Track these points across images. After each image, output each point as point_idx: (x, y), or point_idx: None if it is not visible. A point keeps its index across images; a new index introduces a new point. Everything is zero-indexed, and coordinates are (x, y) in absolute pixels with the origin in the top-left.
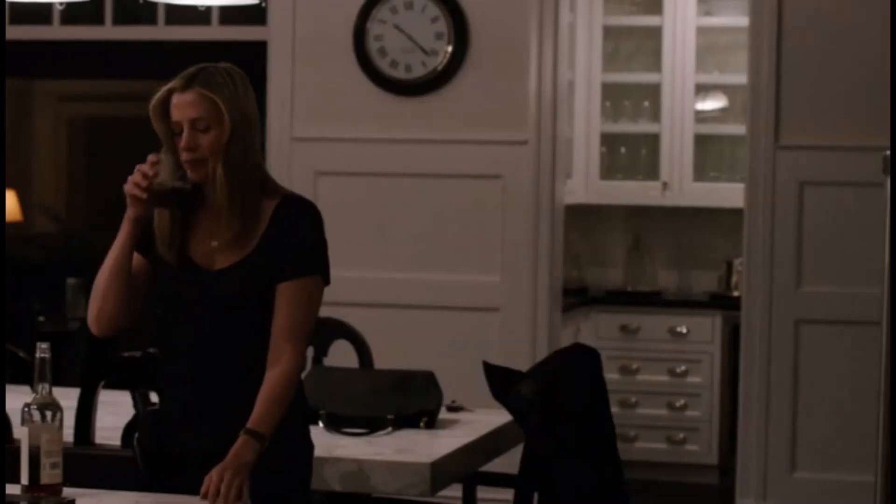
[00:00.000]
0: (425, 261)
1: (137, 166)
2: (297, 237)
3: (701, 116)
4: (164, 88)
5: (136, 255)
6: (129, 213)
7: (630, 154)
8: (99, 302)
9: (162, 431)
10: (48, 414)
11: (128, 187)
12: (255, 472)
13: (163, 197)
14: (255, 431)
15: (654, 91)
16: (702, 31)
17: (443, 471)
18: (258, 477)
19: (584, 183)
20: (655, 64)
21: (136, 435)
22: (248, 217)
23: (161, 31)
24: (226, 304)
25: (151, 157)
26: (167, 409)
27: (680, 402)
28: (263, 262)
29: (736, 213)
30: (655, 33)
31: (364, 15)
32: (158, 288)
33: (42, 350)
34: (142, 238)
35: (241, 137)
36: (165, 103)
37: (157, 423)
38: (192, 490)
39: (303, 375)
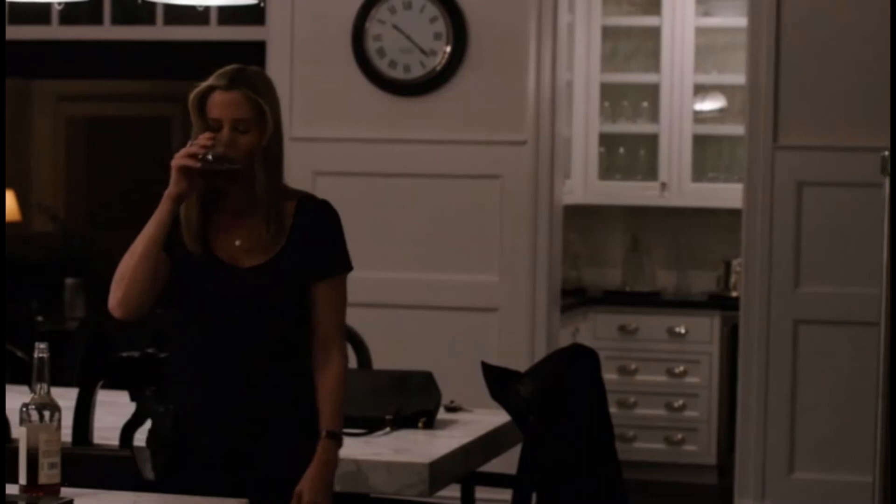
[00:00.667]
0: (424, 261)
1: (191, 141)
2: (325, 238)
3: (699, 117)
4: (206, 84)
5: None
6: (172, 190)
7: (629, 154)
8: (127, 283)
9: (180, 430)
10: (46, 414)
11: (178, 160)
12: (276, 468)
13: (212, 172)
14: (334, 432)
15: (652, 91)
16: (700, 32)
17: (441, 471)
18: (278, 472)
19: (583, 183)
20: (654, 64)
21: (149, 434)
22: (279, 218)
23: (160, 32)
24: (256, 302)
25: (207, 135)
26: (185, 409)
27: (678, 403)
28: (291, 262)
29: (734, 214)
30: (654, 33)
31: (363, 15)
32: (180, 284)
33: (40, 350)
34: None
35: (277, 141)
36: (203, 98)
37: (177, 422)
38: (206, 490)
39: None
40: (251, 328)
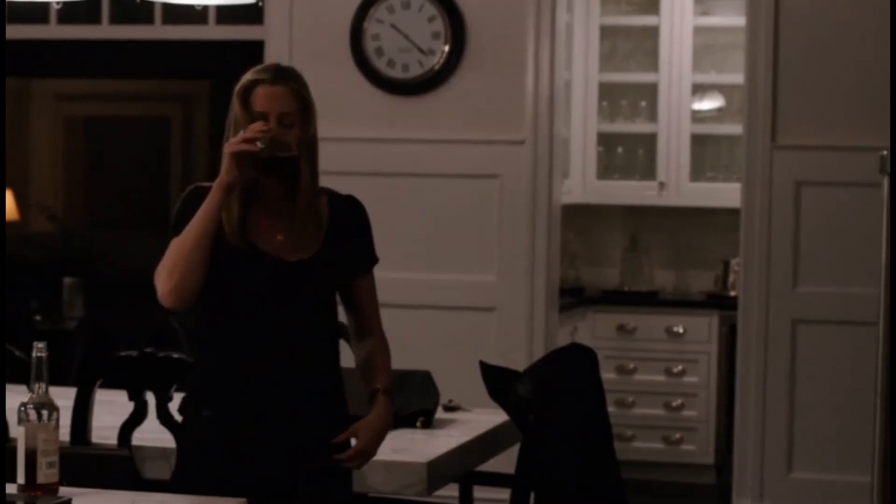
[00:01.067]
0: (422, 260)
1: (246, 128)
2: (362, 234)
3: (698, 116)
4: (248, 78)
5: None
6: (224, 179)
7: (627, 154)
8: (182, 270)
9: (223, 430)
10: (44, 413)
11: (234, 146)
12: (310, 460)
13: (268, 159)
14: (389, 390)
15: (651, 91)
16: (699, 31)
17: (439, 470)
18: (311, 464)
19: (581, 183)
20: (652, 64)
21: (185, 437)
22: (317, 214)
23: (158, 31)
24: (305, 295)
25: (261, 123)
26: (227, 407)
27: (677, 402)
28: (335, 258)
29: (733, 213)
30: (652, 33)
31: (361, 14)
32: (223, 280)
33: (39, 349)
34: None
35: (314, 138)
36: (247, 92)
37: (222, 424)
38: (233, 490)
39: None
40: (296, 322)
